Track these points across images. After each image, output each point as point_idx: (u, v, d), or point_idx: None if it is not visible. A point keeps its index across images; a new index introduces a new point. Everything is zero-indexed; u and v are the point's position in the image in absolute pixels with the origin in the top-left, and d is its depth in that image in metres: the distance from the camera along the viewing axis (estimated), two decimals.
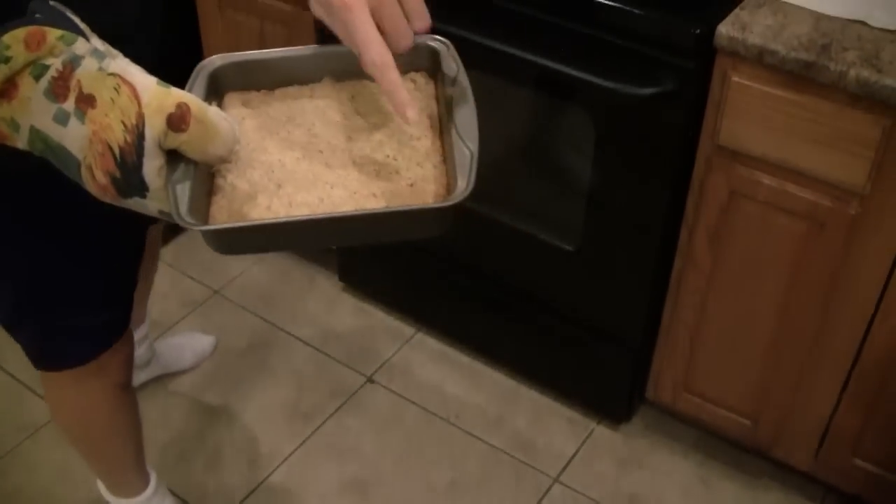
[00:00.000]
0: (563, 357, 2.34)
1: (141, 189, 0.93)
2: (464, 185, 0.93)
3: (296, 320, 2.68)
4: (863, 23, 1.68)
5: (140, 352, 2.35)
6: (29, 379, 2.46)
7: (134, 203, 0.94)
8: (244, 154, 0.99)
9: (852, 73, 1.57)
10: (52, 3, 0.96)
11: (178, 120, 0.91)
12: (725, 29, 1.68)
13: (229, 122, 0.96)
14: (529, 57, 1.85)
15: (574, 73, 1.82)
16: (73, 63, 0.93)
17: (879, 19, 1.68)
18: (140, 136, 0.91)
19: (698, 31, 1.69)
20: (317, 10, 0.95)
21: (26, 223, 1.40)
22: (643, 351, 2.19)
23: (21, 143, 0.95)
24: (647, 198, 1.92)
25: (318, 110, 1.05)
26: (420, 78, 1.09)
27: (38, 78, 0.92)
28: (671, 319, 2.09)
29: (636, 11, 1.74)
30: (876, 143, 1.62)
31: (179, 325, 2.67)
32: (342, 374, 2.53)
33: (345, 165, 0.98)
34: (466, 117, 0.99)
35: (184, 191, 0.92)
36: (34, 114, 0.93)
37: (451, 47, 1.08)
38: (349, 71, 1.00)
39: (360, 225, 0.94)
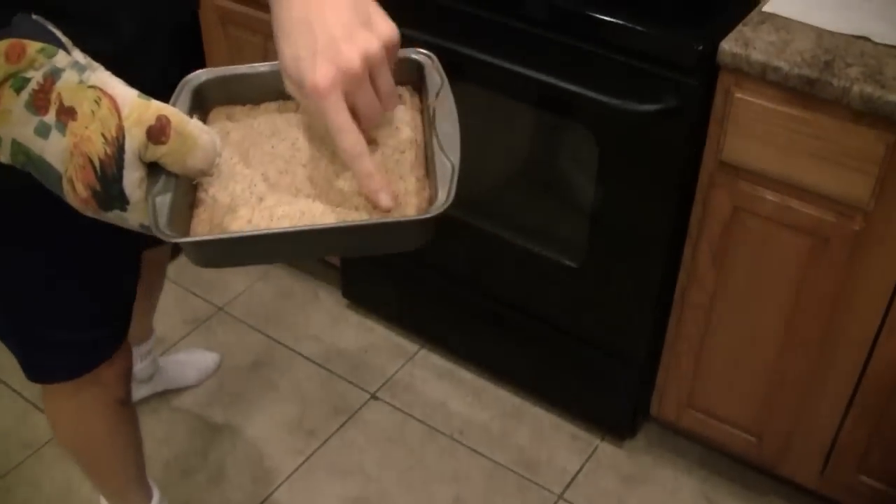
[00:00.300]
0: (567, 373, 2.34)
1: (121, 202, 0.93)
2: (444, 198, 0.93)
3: (299, 337, 2.68)
4: (866, 39, 1.68)
5: (143, 367, 2.35)
6: (33, 396, 2.46)
7: (115, 216, 0.95)
8: (227, 167, 0.99)
9: (856, 89, 1.57)
10: (34, 17, 0.96)
11: (157, 132, 0.92)
12: (728, 46, 1.68)
13: (210, 135, 0.97)
14: (532, 74, 1.86)
15: (577, 89, 1.82)
16: (53, 76, 0.93)
17: (883, 35, 1.69)
18: (120, 149, 0.92)
19: (701, 47, 1.69)
20: (290, 89, 0.95)
21: (11, 238, 1.39)
22: (647, 367, 2.19)
23: (3, 156, 0.96)
24: (651, 214, 1.92)
25: (302, 124, 1.05)
26: (405, 92, 1.09)
27: (18, 90, 0.93)
28: (675, 335, 2.09)
29: (639, 28, 1.75)
30: (879, 159, 1.62)
31: (183, 342, 2.67)
32: (345, 390, 2.53)
33: (328, 179, 0.99)
34: (448, 130, 1.00)
35: (164, 203, 0.93)
36: (15, 126, 0.93)
37: (436, 60, 1.08)
38: None
39: (340, 237, 0.94)
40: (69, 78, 0.94)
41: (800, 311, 1.87)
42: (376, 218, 0.95)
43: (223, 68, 1.07)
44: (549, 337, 2.30)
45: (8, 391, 2.50)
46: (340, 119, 0.90)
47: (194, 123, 0.95)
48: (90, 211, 0.95)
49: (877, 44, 1.67)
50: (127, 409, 1.80)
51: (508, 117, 2.05)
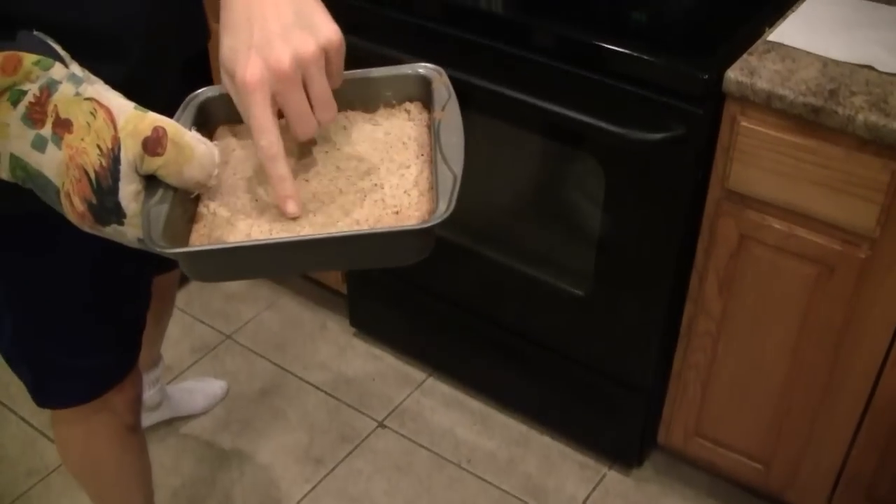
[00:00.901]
0: (574, 402, 2.34)
1: (118, 215, 0.92)
2: (444, 208, 0.91)
3: (307, 365, 2.69)
4: (870, 67, 1.69)
5: (151, 394, 2.36)
6: (41, 423, 2.47)
7: (112, 231, 0.94)
8: (229, 183, 0.99)
9: (860, 117, 1.58)
10: (35, 33, 0.96)
11: (153, 143, 0.91)
12: (734, 74, 1.69)
13: (208, 146, 0.96)
14: (538, 103, 1.86)
15: (583, 118, 1.82)
16: (49, 88, 0.93)
17: (887, 64, 1.69)
18: (115, 160, 0.91)
19: (707, 76, 1.70)
20: (225, 80, 0.94)
21: (22, 264, 1.40)
22: (654, 395, 2.19)
23: (3, 172, 0.95)
24: (658, 242, 1.93)
25: (318, 138, 1.05)
26: (414, 108, 1.09)
27: (15, 103, 0.92)
28: (682, 364, 2.09)
29: (645, 57, 1.76)
30: (885, 187, 1.62)
31: (191, 370, 2.67)
32: (353, 418, 2.53)
33: (330, 193, 0.98)
34: (453, 141, 0.99)
35: (159, 214, 0.92)
36: (13, 140, 0.93)
37: (444, 74, 1.08)
38: (339, 102, 0.99)
39: (337, 248, 0.92)
40: (65, 90, 0.93)
41: (806, 339, 1.87)
42: (372, 228, 0.93)
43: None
44: (557, 365, 2.30)
45: (16, 419, 2.51)
46: (261, 117, 0.89)
47: (191, 135, 0.95)
48: (87, 226, 0.94)
49: (881, 72, 1.68)
50: (136, 436, 1.80)
51: (514, 145, 2.06)
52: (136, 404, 1.74)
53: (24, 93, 0.92)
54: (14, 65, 0.92)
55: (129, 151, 0.91)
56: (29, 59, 0.93)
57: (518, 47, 1.90)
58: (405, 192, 0.98)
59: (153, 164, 0.92)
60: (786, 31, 1.80)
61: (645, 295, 2.02)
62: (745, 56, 1.74)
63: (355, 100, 1.05)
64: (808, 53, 1.74)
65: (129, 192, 0.92)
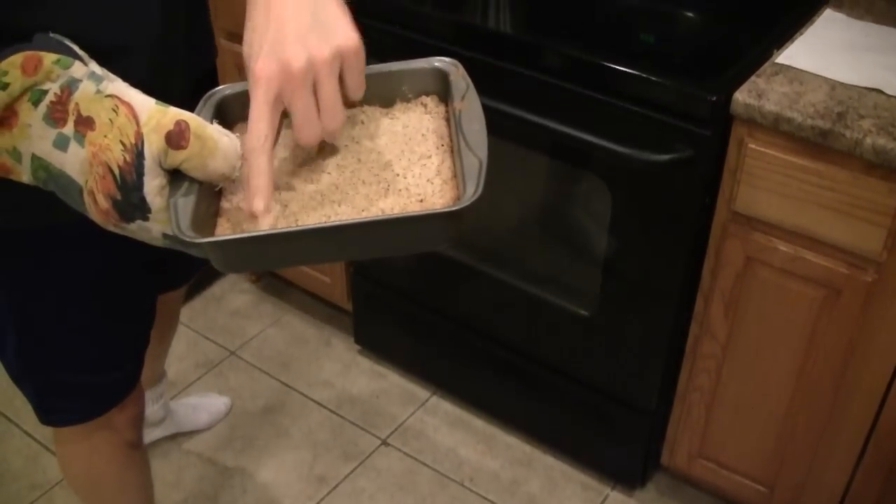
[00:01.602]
0: (578, 422, 2.34)
1: (143, 210, 0.93)
2: (472, 190, 0.92)
3: (311, 382, 2.69)
4: (879, 91, 1.70)
5: (155, 410, 2.35)
6: (44, 438, 2.46)
7: (137, 228, 0.94)
8: None
9: (868, 140, 1.58)
10: (51, 34, 0.97)
11: (177, 137, 0.92)
12: (742, 96, 1.69)
13: (231, 138, 0.96)
14: (545, 123, 1.87)
15: (590, 138, 1.83)
16: (70, 87, 0.94)
17: (894, 89, 1.70)
18: (139, 155, 0.91)
19: (715, 98, 1.70)
20: (248, 74, 0.94)
21: (27, 281, 1.41)
22: (658, 416, 2.19)
23: (25, 174, 0.96)
24: (663, 264, 1.93)
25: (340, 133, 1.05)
26: (430, 101, 1.10)
27: (36, 103, 0.93)
28: (687, 385, 2.09)
29: (653, 79, 1.76)
30: (892, 211, 1.62)
31: (195, 386, 2.67)
32: (356, 436, 2.53)
33: (353, 185, 0.99)
34: (475, 128, 1.00)
35: (186, 205, 0.92)
36: (34, 140, 0.94)
37: (460, 67, 1.09)
38: (365, 94, 1.01)
39: (365, 234, 0.92)
40: (86, 88, 0.94)
41: (811, 362, 1.87)
42: (401, 212, 0.94)
43: (245, 83, 1.05)
44: (561, 385, 2.30)
45: (19, 432, 2.51)
46: (258, 109, 0.90)
47: (214, 127, 0.95)
48: (112, 223, 0.94)
49: (890, 96, 1.68)
50: (137, 452, 1.80)
51: (521, 165, 2.06)
52: (139, 421, 1.74)
53: (45, 92, 0.93)
54: (35, 64, 0.93)
55: (153, 146, 0.92)
56: (49, 58, 0.94)
57: (526, 67, 1.91)
58: (428, 181, 0.99)
59: (177, 158, 0.92)
60: (794, 54, 1.80)
61: (650, 316, 2.02)
62: (753, 78, 1.74)
63: (372, 95, 1.06)
64: (817, 76, 1.74)
65: (153, 186, 0.92)
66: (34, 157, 0.94)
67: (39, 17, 1.03)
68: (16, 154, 0.95)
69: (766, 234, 1.80)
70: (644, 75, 1.77)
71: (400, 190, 0.98)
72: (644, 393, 2.15)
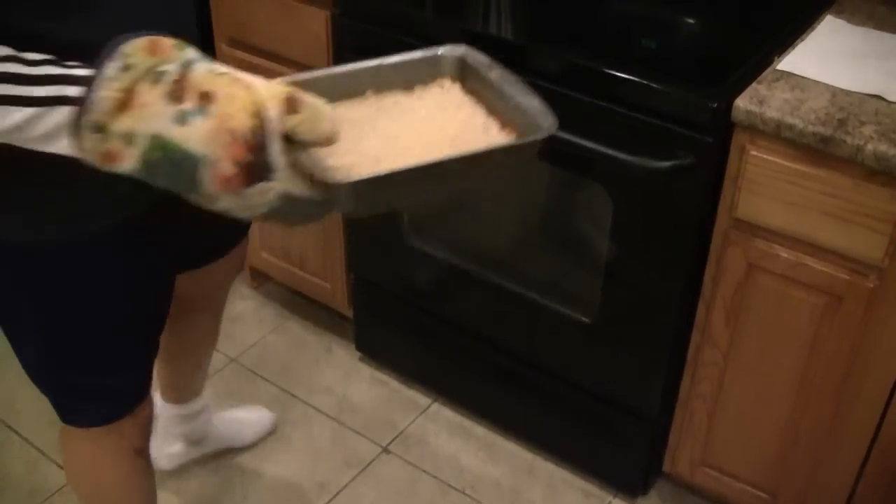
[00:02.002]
0: (580, 429, 2.33)
1: (269, 170, 1.01)
2: (552, 119, 1.12)
3: (312, 389, 2.68)
4: (880, 97, 1.69)
5: (194, 426, 2.33)
6: (43, 444, 2.46)
7: (256, 191, 1.01)
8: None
9: (870, 147, 1.58)
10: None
11: (292, 103, 1.01)
12: (743, 103, 1.69)
13: (328, 106, 1.05)
14: None
15: (591, 145, 1.83)
16: (186, 67, 1.00)
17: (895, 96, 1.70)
18: (265, 120, 1.00)
19: (716, 105, 1.70)
20: None
21: (55, 287, 1.44)
22: (660, 424, 2.18)
23: (131, 159, 1.00)
24: (665, 271, 1.92)
25: (379, 112, 1.21)
26: (447, 82, 1.25)
27: (156, 83, 0.99)
28: (689, 393, 2.08)
29: (654, 86, 1.76)
30: (894, 218, 1.62)
31: None
32: (357, 443, 2.52)
33: (424, 144, 1.13)
34: (518, 86, 1.19)
35: (310, 159, 1.04)
36: (153, 119, 0.99)
37: (473, 48, 1.26)
38: (380, 86, 1.23)
39: (473, 166, 1.10)
40: (201, 68, 1.01)
41: (814, 369, 1.86)
42: (508, 141, 1.15)
43: (295, 75, 1.17)
44: (562, 392, 2.29)
45: (18, 439, 2.50)
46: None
47: (311, 96, 1.03)
48: (231, 188, 1.00)
49: (891, 102, 1.68)
50: (142, 459, 1.80)
51: (522, 172, 2.06)
52: (147, 428, 1.74)
53: (164, 73, 0.99)
54: (157, 46, 1.00)
55: (273, 111, 1.00)
56: (168, 41, 1.01)
57: (526, 73, 1.89)
58: (483, 131, 1.16)
59: (292, 122, 1.01)
60: (795, 61, 1.80)
61: (651, 323, 2.01)
62: (754, 85, 1.74)
63: (393, 82, 1.23)
64: (818, 83, 1.74)
65: (276, 149, 1.01)
66: (153, 137, 0.99)
67: (77, 28, 1.10)
68: (128, 137, 0.99)
69: (768, 240, 1.79)
70: (645, 82, 1.77)
71: (463, 144, 1.13)
72: (646, 400, 2.14)
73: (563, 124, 1.84)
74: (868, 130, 1.61)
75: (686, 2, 2.12)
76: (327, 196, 1.04)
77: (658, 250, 1.91)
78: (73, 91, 0.99)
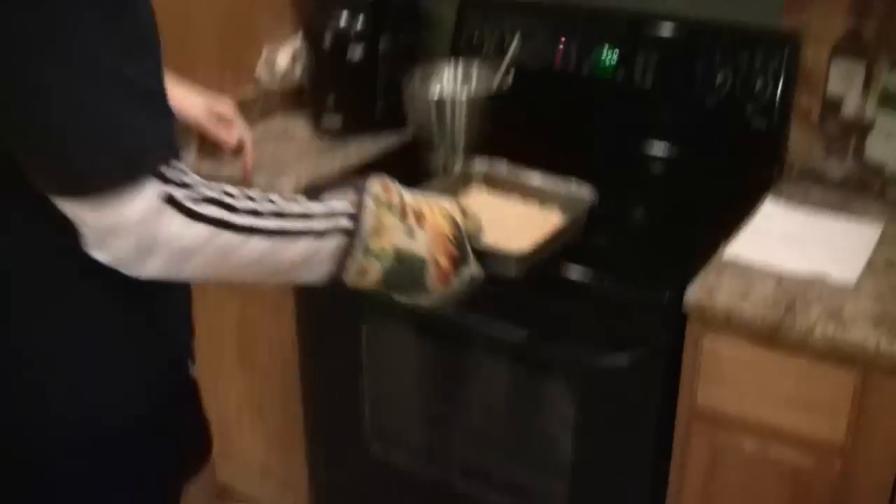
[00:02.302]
0: None
1: (467, 259, 1.39)
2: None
3: None
4: (823, 280, 1.71)
5: None
6: None
7: (460, 278, 1.39)
8: None
9: (818, 330, 1.60)
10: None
11: (464, 211, 1.43)
12: (693, 295, 1.71)
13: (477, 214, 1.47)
14: (504, 334, 1.88)
15: (548, 345, 1.84)
16: (402, 195, 1.34)
17: (838, 277, 1.72)
18: (456, 224, 1.38)
19: (666, 299, 1.72)
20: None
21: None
22: None
23: (375, 273, 1.30)
24: (631, 465, 1.90)
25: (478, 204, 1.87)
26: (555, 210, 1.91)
27: (389, 209, 1.30)
28: None
29: (605, 285, 1.78)
30: (850, 398, 1.62)
31: None
32: None
33: (519, 227, 1.81)
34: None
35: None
36: (394, 235, 1.30)
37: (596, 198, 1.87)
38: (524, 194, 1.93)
39: (580, 224, 1.85)
40: (407, 195, 1.35)
41: None
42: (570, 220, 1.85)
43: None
44: None
45: None
46: None
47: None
48: (447, 282, 1.37)
49: (834, 284, 1.71)
50: None
51: (481, 373, 2.06)
52: None
53: (392, 203, 1.31)
54: (386, 183, 1.34)
55: (458, 216, 1.40)
56: (388, 178, 1.36)
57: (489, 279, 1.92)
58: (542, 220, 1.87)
59: (465, 224, 1.41)
60: (741, 248, 1.83)
61: None
62: (702, 275, 1.76)
63: (527, 194, 1.93)
64: (763, 268, 1.76)
65: (466, 242, 1.40)
66: (396, 249, 1.30)
67: None
68: (378, 254, 1.28)
69: (731, 429, 1.78)
70: (596, 283, 1.80)
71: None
72: None
73: (520, 323, 1.86)
74: (815, 313, 1.63)
75: (631, 195, 2.17)
76: (493, 269, 1.49)
77: (623, 445, 1.89)
78: (345, 222, 1.25)
